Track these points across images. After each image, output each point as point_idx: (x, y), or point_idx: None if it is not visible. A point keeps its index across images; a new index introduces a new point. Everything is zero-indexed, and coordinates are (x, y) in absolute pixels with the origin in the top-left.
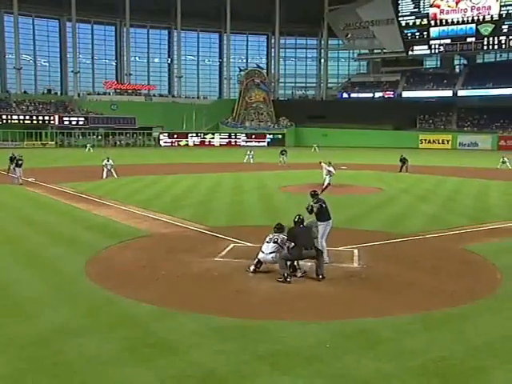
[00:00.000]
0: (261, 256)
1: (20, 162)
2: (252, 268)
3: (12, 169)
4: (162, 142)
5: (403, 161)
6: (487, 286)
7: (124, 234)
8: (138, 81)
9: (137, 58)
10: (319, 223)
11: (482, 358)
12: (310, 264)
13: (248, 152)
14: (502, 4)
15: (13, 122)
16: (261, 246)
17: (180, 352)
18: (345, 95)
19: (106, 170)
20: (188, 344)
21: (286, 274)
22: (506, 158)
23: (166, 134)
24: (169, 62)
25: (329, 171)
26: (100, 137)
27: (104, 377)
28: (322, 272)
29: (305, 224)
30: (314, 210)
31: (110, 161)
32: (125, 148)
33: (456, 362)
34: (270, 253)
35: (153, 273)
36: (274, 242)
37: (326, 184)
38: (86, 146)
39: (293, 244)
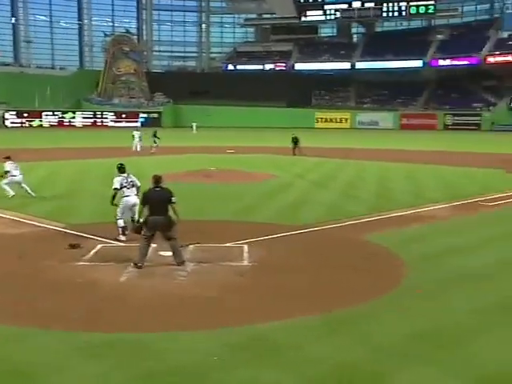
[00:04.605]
0: (132, 200)
1: None
2: (122, 237)
3: None
4: (8, 123)
5: (295, 141)
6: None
7: None
8: None
9: None
10: None
11: (385, 361)
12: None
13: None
14: None
15: None
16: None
17: (41, 379)
18: (230, 67)
19: None
20: (52, 367)
21: (137, 261)
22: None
23: (14, 113)
24: (13, 21)
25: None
26: None
27: None
28: (180, 259)
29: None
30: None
31: None
32: None
33: (359, 367)
34: (135, 194)
35: (3, 285)
36: (133, 186)
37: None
38: None
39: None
